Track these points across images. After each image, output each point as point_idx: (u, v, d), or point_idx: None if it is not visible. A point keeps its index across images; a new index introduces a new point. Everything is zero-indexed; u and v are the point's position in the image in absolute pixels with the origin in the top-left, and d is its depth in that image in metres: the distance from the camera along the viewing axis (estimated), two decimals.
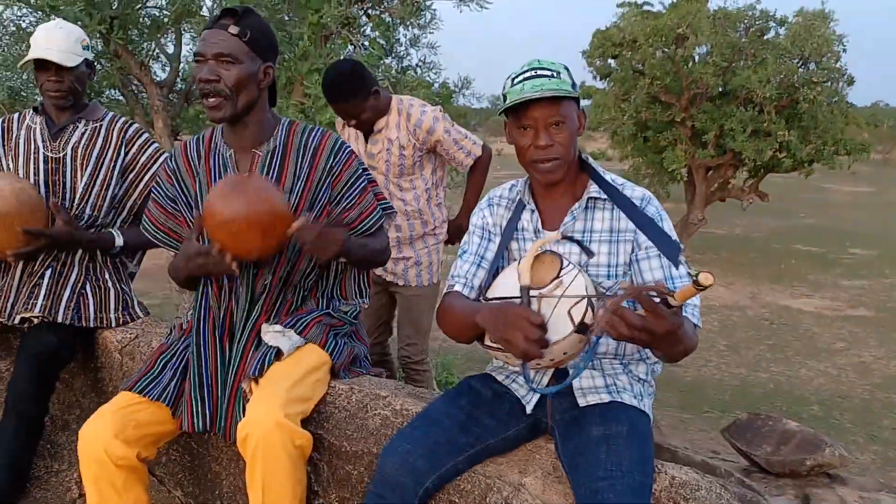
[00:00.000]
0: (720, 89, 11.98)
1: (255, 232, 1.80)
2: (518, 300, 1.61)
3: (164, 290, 6.79)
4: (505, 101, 1.76)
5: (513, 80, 1.77)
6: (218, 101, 1.90)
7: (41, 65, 2.45)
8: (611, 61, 13.66)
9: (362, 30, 5.94)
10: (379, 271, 3.30)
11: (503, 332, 1.54)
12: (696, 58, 12.16)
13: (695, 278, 1.29)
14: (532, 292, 1.63)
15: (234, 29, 1.89)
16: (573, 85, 1.76)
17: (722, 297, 10.36)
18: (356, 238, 2.05)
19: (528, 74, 1.74)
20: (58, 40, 2.43)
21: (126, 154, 2.59)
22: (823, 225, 16.58)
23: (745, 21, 11.77)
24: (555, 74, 1.73)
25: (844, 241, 14.59)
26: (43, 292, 2.41)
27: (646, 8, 13.66)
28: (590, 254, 1.75)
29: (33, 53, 2.42)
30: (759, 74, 10.83)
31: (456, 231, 3.39)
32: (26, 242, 2.32)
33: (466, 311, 1.73)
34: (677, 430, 5.98)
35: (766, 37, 11.87)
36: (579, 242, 1.76)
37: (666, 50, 11.71)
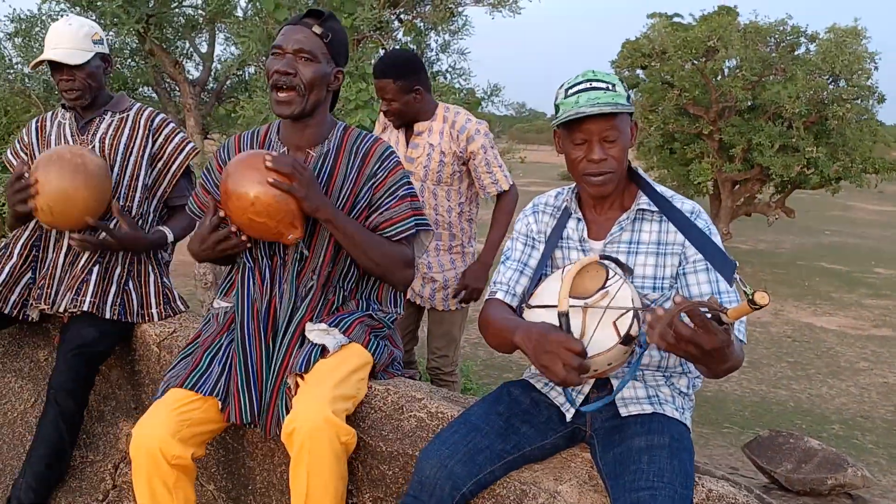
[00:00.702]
0: (749, 103, 11.94)
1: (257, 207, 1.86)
2: (554, 309, 1.62)
3: (189, 286, 6.86)
4: (557, 111, 1.75)
5: (566, 90, 1.74)
6: (290, 97, 1.94)
7: (54, 65, 2.46)
8: (639, 72, 13.66)
9: (394, 34, 5.98)
10: (409, 294, 3.30)
11: (542, 358, 1.56)
12: (726, 71, 12.13)
13: (750, 297, 1.29)
14: (577, 302, 1.64)
15: (317, 29, 1.96)
16: (628, 98, 1.74)
17: None
18: (356, 222, 2.02)
19: (583, 86, 1.71)
20: (65, 38, 2.44)
21: (153, 143, 2.61)
22: (848, 243, 16.42)
23: (776, 36, 11.73)
24: (610, 87, 1.71)
25: (869, 259, 14.44)
26: (91, 289, 2.44)
27: (676, 20, 13.65)
28: (628, 270, 1.73)
29: (42, 55, 2.44)
30: (789, 90, 10.79)
31: (474, 276, 3.16)
32: (90, 227, 2.36)
33: (506, 328, 1.74)
34: (696, 444, 5.92)
35: (796, 52, 11.83)
36: (616, 261, 1.74)
37: (695, 62, 11.68)
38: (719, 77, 12.02)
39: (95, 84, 2.53)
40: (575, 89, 1.72)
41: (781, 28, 11.73)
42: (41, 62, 2.46)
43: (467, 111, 3.18)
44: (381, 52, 5.70)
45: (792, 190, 12.72)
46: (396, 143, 3.19)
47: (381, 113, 3.20)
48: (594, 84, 1.71)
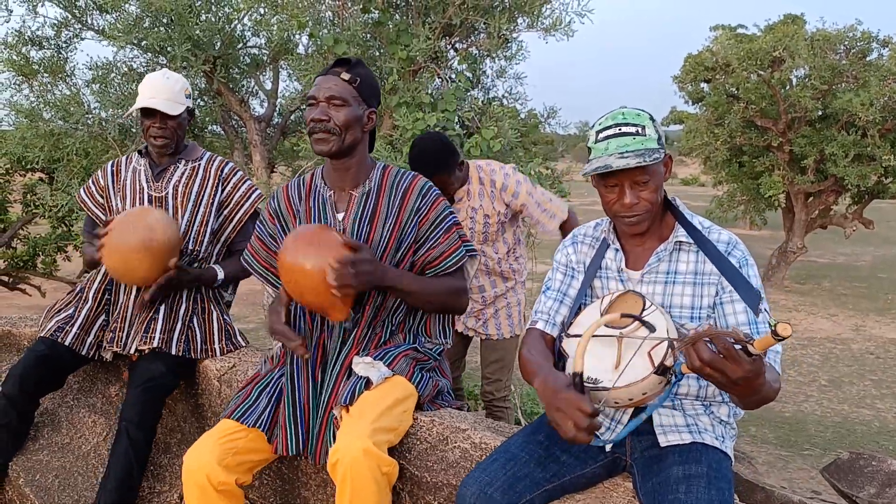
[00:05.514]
0: (819, 113, 11.61)
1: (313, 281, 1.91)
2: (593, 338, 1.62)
3: (259, 314, 7.06)
4: (590, 153, 1.76)
5: (597, 134, 1.75)
6: (325, 136, 2.05)
7: (147, 112, 2.65)
8: (703, 85, 13.44)
9: (450, 63, 6.06)
10: (460, 327, 3.36)
11: (554, 414, 1.58)
12: (794, 81, 11.83)
13: (773, 328, 1.28)
14: (613, 332, 1.65)
15: (345, 75, 2.07)
16: (659, 138, 1.73)
17: (824, 329, 9.93)
18: (416, 276, 2.11)
19: (612, 132, 1.71)
20: (164, 90, 2.63)
21: (222, 191, 2.76)
22: None
23: (846, 43, 11.39)
24: (639, 131, 1.70)
25: None
26: (159, 327, 2.58)
27: (740, 31, 13.41)
28: (650, 328, 1.67)
29: (140, 102, 2.62)
30: (862, 97, 10.44)
31: None
32: (156, 282, 2.49)
33: (530, 369, 1.77)
34: (775, 467, 5.76)
35: (868, 58, 11.45)
36: (640, 319, 1.68)
37: (761, 73, 11.43)
38: (787, 87, 11.73)
39: (181, 134, 2.72)
40: (605, 134, 1.73)
41: (851, 34, 11.38)
42: (136, 109, 2.63)
43: (497, 163, 3.19)
44: (438, 80, 5.80)
45: (870, 200, 12.29)
46: None
47: None
48: (623, 129, 1.71)
